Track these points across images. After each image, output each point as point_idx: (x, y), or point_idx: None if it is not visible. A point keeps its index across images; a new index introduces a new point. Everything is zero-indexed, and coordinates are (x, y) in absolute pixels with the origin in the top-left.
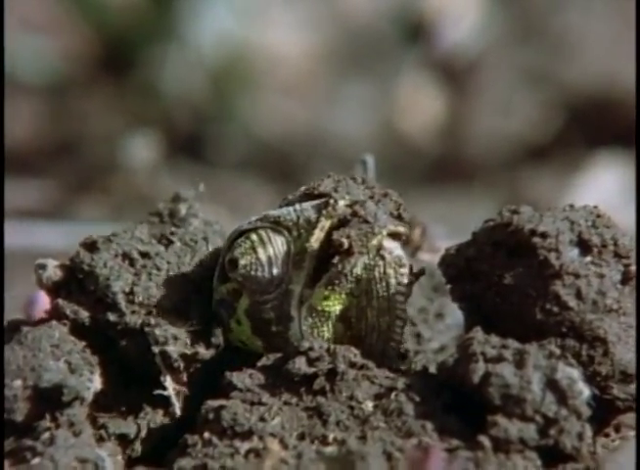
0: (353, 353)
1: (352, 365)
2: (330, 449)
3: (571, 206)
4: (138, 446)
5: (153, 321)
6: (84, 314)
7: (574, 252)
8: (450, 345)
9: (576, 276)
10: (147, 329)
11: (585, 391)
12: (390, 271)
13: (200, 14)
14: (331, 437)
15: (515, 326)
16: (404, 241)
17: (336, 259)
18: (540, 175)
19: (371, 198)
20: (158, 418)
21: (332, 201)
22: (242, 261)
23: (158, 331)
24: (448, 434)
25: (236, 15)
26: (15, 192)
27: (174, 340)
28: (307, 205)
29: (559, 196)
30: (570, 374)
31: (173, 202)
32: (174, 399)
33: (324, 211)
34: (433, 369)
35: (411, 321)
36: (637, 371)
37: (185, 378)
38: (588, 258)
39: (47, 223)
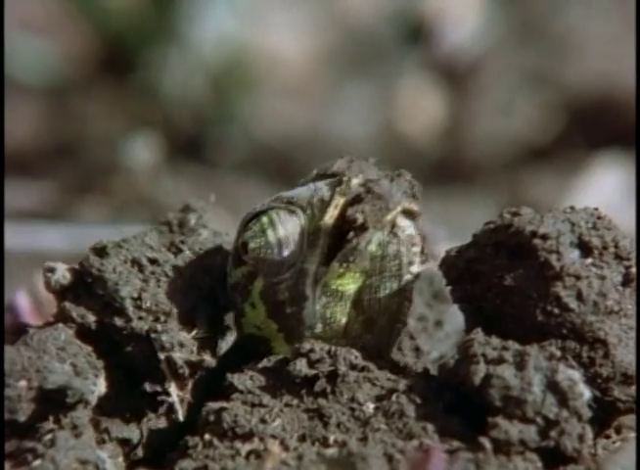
0: (354, 355)
1: (353, 367)
2: (331, 451)
3: (572, 207)
4: (140, 451)
5: (159, 327)
6: (91, 318)
7: (575, 253)
8: (449, 354)
9: (577, 278)
10: (153, 335)
11: (586, 392)
12: (403, 249)
13: (200, 15)
14: (332, 438)
15: (515, 328)
16: (417, 221)
17: (350, 235)
18: (541, 177)
19: (385, 177)
20: (160, 424)
21: (345, 178)
22: (251, 244)
23: (164, 337)
24: (449, 435)
25: (236, 16)
26: (15, 193)
27: (180, 347)
28: (321, 183)
29: (560, 197)
30: (570, 376)
31: (183, 212)
32: (178, 406)
33: (338, 189)
34: (433, 371)
35: (410, 335)
36: (638, 373)
37: (190, 385)
38: (589, 260)
39: (48, 225)
